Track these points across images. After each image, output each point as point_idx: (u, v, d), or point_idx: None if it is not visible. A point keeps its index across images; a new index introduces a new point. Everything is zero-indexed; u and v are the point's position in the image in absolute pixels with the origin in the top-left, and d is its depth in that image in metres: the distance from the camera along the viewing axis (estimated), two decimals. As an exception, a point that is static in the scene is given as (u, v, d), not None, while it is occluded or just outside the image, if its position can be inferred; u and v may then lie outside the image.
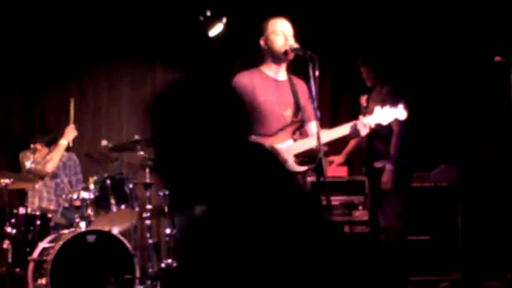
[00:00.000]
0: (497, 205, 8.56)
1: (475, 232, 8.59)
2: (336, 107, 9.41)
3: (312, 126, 5.43)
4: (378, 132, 7.02)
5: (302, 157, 5.35)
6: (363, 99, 7.18)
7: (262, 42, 5.48)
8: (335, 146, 7.46)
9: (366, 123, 5.35)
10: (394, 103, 5.61)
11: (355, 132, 5.35)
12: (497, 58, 6.86)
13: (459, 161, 8.75)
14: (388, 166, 7.07)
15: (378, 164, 7.21)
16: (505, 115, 6.82)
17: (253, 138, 5.08)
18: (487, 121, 8.70)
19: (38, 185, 7.81)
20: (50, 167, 7.64)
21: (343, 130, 5.38)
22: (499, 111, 7.34)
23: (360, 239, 7.95)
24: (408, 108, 6.42)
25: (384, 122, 5.45)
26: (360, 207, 7.98)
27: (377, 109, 5.43)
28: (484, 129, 8.86)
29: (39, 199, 7.76)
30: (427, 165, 8.44)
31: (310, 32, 5.94)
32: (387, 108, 5.43)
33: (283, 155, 5.24)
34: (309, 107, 5.40)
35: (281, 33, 5.40)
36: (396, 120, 6.81)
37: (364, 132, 5.35)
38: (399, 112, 5.46)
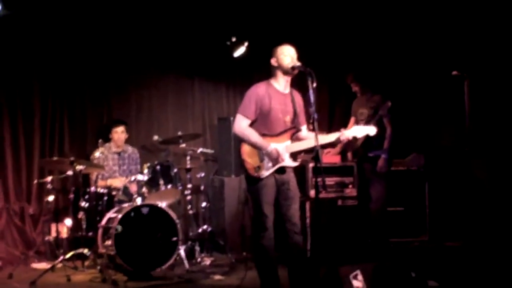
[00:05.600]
0: (455, 183, 8.54)
1: (438, 205, 8.58)
2: (333, 111, 9.38)
3: (304, 129, 5.53)
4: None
5: (299, 153, 5.43)
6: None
7: (273, 61, 5.44)
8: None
9: (346, 136, 5.41)
10: (384, 107, 5.68)
11: (337, 141, 5.44)
12: (454, 72, 6.83)
13: (426, 150, 8.73)
14: (384, 156, 7.25)
15: (371, 154, 7.30)
16: (460, 116, 6.79)
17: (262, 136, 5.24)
18: (447, 121, 8.67)
19: (108, 170, 7.83)
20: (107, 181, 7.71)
21: (329, 138, 5.42)
22: (456, 113, 7.31)
23: (351, 210, 7.96)
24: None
25: (359, 135, 5.54)
26: (350, 186, 7.95)
27: (355, 126, 5.57)
28: (444, 126, 8.83)
29: (109, 179, 7.78)
30: (402, 153, 8.41)
31: (313, 53, 5.89)
32: (361, 125, 5.52)
33: (282, 153, 5.29)
34: (302, 114, 5.48)
35: (288, 54, 5.39)
36: (389, 122, 6.98)
37: (344, 141, 5.47)
38: (371, 129, 5.53)
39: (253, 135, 5.33)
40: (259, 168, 5.30)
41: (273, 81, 5.48)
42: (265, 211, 5.30)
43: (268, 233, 5.33)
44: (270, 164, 5.31)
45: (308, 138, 5.39)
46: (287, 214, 5.38)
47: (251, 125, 5.39)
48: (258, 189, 5.31)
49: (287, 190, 5.39)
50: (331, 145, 5.61)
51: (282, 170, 5.37)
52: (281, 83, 5.46)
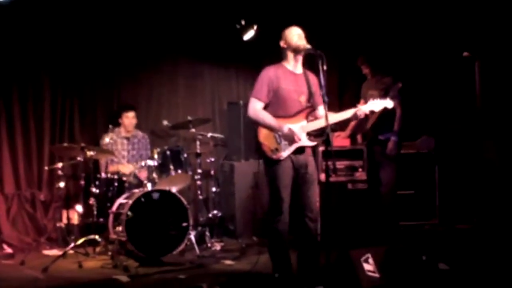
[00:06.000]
0: (465, 166, 8.49)
1: (448, 187, 8.53)
2: (342, 94, 9.35)
3: (320, 109, 5.44)
4: (383, 113, 7.08)
5: (315, 132, 5.34)
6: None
7: (282, 43, 5.45)
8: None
9: (363, 111, 5.34)
10: (395, 88, 5.54)
11: (354, 117, 5.36)
12: (465, 54, 6.77)
13: (436, 133, 8.67)
14: (394, 138, 7.16)
15: (381, 137, 7.24)
16: (471, 98, 6.74)
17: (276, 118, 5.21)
18: (458, 102, 8.60)
19: (117, 154, 7.83)
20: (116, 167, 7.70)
21: (346, 114, 5.36)
22: (466, 95, 7.24)
23: (361, 193, 7.94)
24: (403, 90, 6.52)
25: (377, 109, 5.44)
26: (360, 169, 7.93)
27: (371, 100, 5.43)
28: (455, 108, 8.75)
29: (117, 164, 7.77)
30: (412, 136, 8.36)
31: (322, 36, 5.82)
32: (377, 99, 5.41)
33: (298, 133, 5.24)
34: (318, 94, 5.40)
35: (296, 34, 5.40)
36: (399, 104, 6.93)
37: (362, 116, 5.37)
38: (387, 102, 5.45)
39: (267, 117, 5.31)
40: (276, 150, 5.28)
41: (284, 63, 5.48)
42: (281, 194, 5.29)
43: (283, 217, 5.32)
44: (287, 145, 5.28)
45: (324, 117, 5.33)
46: (304, 199, 5.37)
47: (267, 107, 5.38)
48: (275, 171, 5.29)
49: (304, 173, 5.37)
50: (346, 122, 5.52)
51: (300, 150, 5.33)
52: (292, 63, 5.46)
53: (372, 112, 5.50)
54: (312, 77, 5.49)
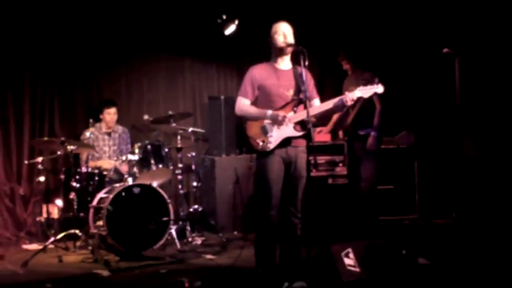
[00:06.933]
0: (444, 161, 8.56)
1: (427, 183, 8.60)
2: (322, 90, 9.33)
3: (316, 102, 5.48)
4: (363, 108, 7.08)
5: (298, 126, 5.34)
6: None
7: (269, 40, 5.44)
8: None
9: (350, 97, 5.25)
10: (374, 83, 5.52)
11: (341, 103, 5.25)
12: (445, 50, 6.79)
13: (416, 129, 8.72)
14: (373, 133, 7.17)
15: (361, 132, 7.24)
16: (451, 94, 6.76)
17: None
18: (438, 99, 8.65)
19: (98, 150, 7.81)
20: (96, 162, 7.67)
21: (332, 102, 5.29)
22: (447, 91, 7.27)
23: (342, 188, 7.97)
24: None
25: (365, 95, 5.34)
26: (340, 164, 7.97)
27: (360, 87, 5.34)
28: (435, 104, 8.81)
29: (98, 160, 7.74)
30: (392, 131, 8.41)
31: (303, 31, 5.80)
32: (368, 86, 5.36)
33: (287, 121, 5.23)
34: (312, 88, 5.46)
35: (281, 33, 5.36)
36: (378, 99, 6.91)
37: (349, 103, 5.25)
38: (378, 88, 5.37)
39: (251, 109, 5.37)
40: (264, 142, 5.26)
41: (272, 60, 5.49)
42: (271, 189, 5.27)
43: (273, 213, 5.30)
44: (275, 137, 5.25)
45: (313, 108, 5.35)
46: (291, 195, 5.35)
47: (257, 104, 5.40)
48: (265, 165, 5.28)
49: (294, 170, 5.34)
50: (328, 117, 5.48)
51: (288, 143, 5.30)
52: (278, 61, 5.45)
53: (360, 98, 5.44)
54: (304, 72, 5.44)
